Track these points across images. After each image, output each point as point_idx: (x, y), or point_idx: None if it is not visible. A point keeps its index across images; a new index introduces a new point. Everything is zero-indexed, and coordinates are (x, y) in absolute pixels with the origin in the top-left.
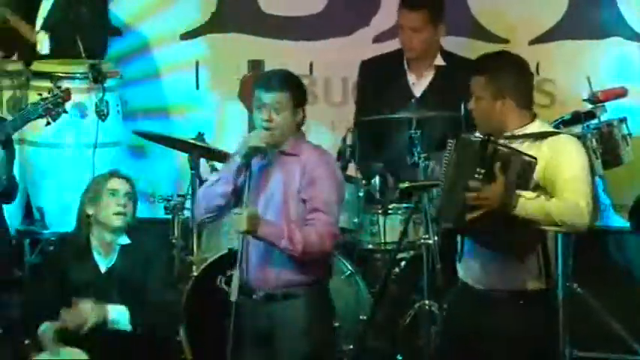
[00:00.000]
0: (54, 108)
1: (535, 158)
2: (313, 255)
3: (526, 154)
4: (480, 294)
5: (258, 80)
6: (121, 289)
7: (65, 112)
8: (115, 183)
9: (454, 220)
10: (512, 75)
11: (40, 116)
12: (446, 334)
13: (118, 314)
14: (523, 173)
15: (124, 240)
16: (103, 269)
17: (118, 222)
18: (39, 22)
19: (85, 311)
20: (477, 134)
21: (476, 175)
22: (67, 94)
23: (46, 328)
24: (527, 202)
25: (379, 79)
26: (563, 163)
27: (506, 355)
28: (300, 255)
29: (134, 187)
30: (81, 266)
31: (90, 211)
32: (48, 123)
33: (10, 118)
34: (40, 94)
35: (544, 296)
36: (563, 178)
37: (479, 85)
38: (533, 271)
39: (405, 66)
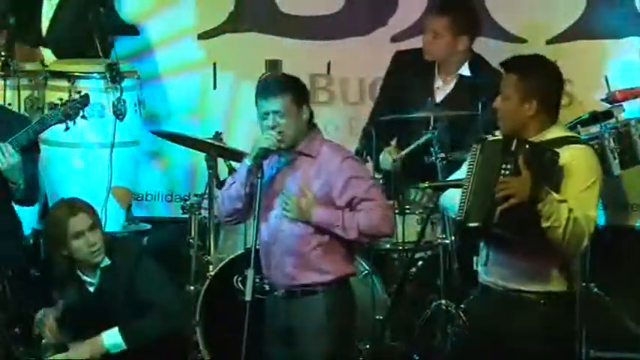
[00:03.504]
0: (73, 113)
1: (557, 152)
2: (373, 238)
3: (548, 148)
4: (504, 295)
5: (256, 90)
6: (113, 309)
7: (84, 117)
8: (77, 224)
9: (483, 218)
10: (544, 78)
11: (60, 121)
12: (467, 336)
13: (112, 340)
14: (547, 166)
15: (105, 262)
16: (91, 289)
17: (96, 259)
18: (44, 22)
19: (84, 352)
20: (497, 134)
21: (502, 171)
22: (85, 99)
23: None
24: (555, 202)
25: (409, 71)
26: (578, 174)
27: (529, 356)
28: (357, 239)
29: (93, 210)
30: (69, 289)
31: (63, 252)
32: (67, 128)
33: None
34: (61, 99)
35: (567, 298)
36: (576, 188)
37: (510, 83)
38: (556, 273)
39: (436, 67)
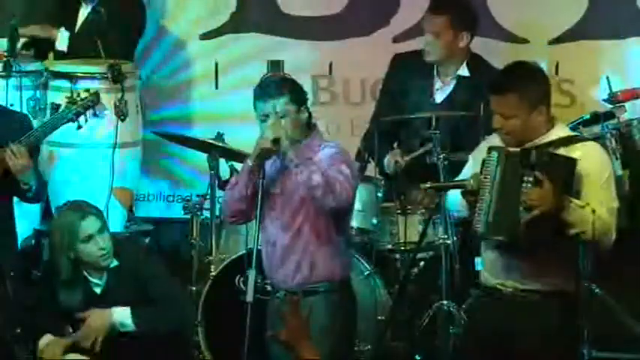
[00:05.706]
0: (84, 112)
1: (575, 159)
2: (328, 197)
3: (566, 157)
4: (514, 296)
5: (254, 92)
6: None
7: (96, 115)
8: (87, 227)
9: (509, 231)
10: (541, 83)
11: (70, 120)
12: (474, 339)
13: (122, 317)
14: (566, 175)
15: (113, 262)
16: (97, 290)
17: (104, 262)
18: (79, 24)
19: (96, 327)
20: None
21: (523, 184)
22: (96, 98)
23: (49, 343)
24: (578, 209)
25: (408, 74)
26: (594, 172)
27: (545, 354)
28: (320, 192)
29: (101, 213)
30: (74, 290)
31: (70, 255)
32: (79, 127)
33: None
34: (71, 99)
35: (572, 298)
36: (594, 186)
37: (511, 104)
38: (568, 274)
39: (435, 69)
